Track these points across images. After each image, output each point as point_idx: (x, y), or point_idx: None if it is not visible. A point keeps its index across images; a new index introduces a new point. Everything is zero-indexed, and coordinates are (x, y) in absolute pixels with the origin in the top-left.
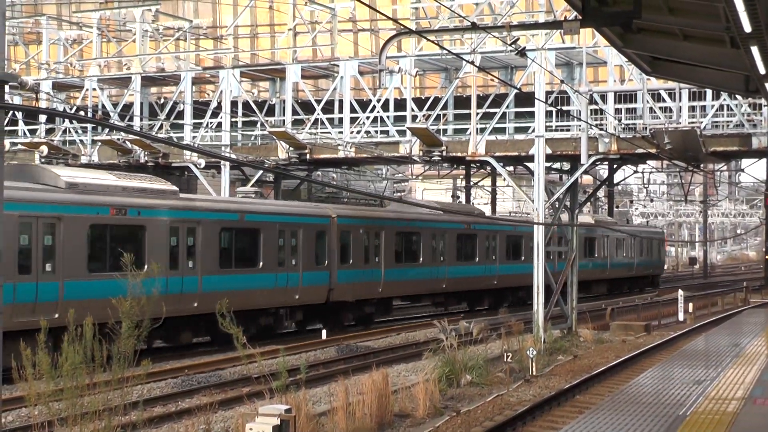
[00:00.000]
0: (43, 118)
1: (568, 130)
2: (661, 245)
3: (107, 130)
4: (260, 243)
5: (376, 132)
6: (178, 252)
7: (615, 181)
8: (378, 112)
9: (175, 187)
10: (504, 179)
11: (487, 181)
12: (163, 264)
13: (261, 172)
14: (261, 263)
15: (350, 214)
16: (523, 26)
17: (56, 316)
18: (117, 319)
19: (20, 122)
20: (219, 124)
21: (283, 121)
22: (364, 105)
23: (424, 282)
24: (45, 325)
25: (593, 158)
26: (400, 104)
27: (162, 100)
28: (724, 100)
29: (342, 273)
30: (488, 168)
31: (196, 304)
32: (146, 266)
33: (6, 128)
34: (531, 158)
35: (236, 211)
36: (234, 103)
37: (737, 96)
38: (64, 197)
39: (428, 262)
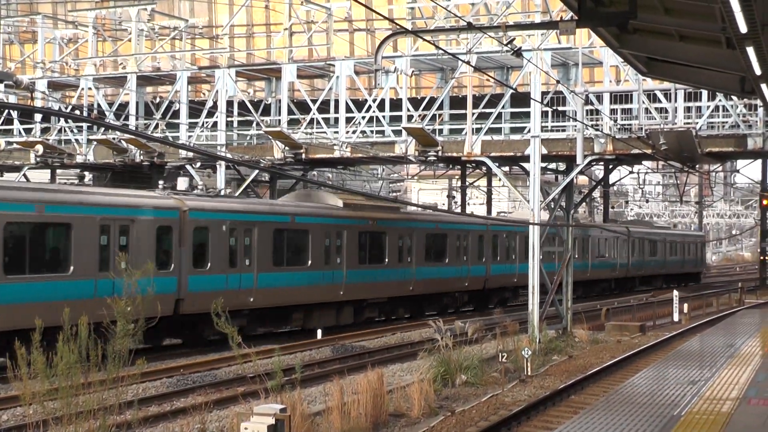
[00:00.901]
0: (38, 117)
1: (563, 130)
2: (702, 247)
3: (103, 129)
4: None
5: (372, 132)
6: None
7: (611, 182)
8: (374, 111)
9: None
10: (500, 179)
11: (483, 182)
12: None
13: (257, 171)
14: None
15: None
16: (519, 26)
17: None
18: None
19: (15, 121)
20: (215, 124)
21: (279, 120)
22: (359, 105)
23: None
24: (39, 324)
25: (589, 158)
26: (396, 104)
27: (158, 100)
28: (720, 100)
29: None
30: (484, 168)
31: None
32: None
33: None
34: (527, 158)
35: None
36: (230, 103)
37: (733, 97)
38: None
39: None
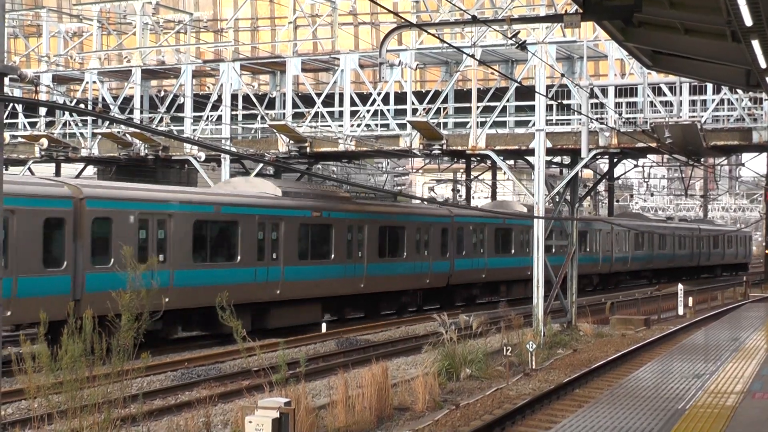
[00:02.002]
0: (43, 110)
1: (568, 123)
2: (749, 241)
3: (107, 123)
4: None
5: (377, 125)
6: None
7: (615, 175)
8: (378, 105)
9: None
10: (504, 173)
11: (488, 175)
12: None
13: (261, 165)
14: None
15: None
16: (523, 19)
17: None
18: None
19: (20, 115)
20: (219, 117)
21: (284, 114)
22: (364, 98)
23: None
24: (44, 318)
25: (594, 152)
26: (401, 98)
27: (162, 93)
28: (725, 94)
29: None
30: (488, 162)
31: None
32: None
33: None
34: (531, 152)
35: None
36: (234, 96)
37: (738, 90)
38: None
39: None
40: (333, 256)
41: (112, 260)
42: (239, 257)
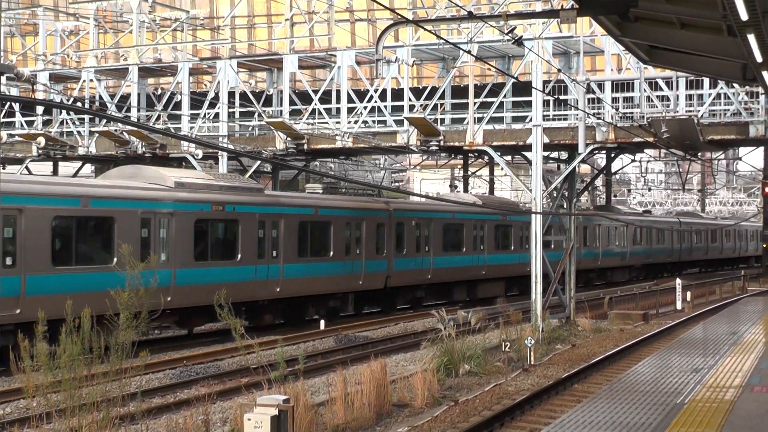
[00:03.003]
0: (40, 109)
1: (565, 119)
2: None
3: (104, 121)
4: None
5: (374, 122)
6: None
7: (613, 170)
8: (375, 102)
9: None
10: (502, 169)
11: (485, 171)
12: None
13: (259, 162)
14: None
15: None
16: (520, 15)
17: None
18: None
19: (17, 114)
20: (216, 115)
21: (281, 111)
22: (361, 95)
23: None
24: (42, 316)
25: (591, 147)
26: (398, 94)
27: (159, 91)
28: (722, 88)
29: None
30: (486, 157)
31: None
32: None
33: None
34: (528, 147)
35: None
36: (231, 94)
37: (734, 84)
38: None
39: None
40: (240, 256)
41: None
42: (116, 259)
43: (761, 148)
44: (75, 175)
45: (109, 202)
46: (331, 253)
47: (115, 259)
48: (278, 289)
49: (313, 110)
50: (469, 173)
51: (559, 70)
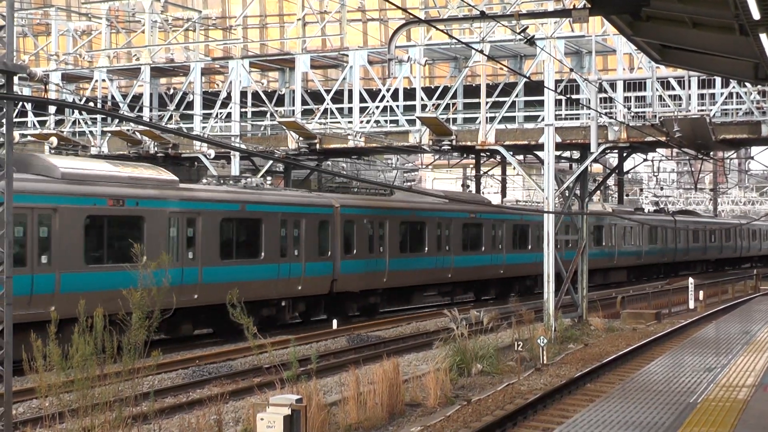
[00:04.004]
0: (52, 109)
1: (577, 118)
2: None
3: (117, 121)
4: None
5: (386, 121)
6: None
7: (625, 170)
8: (387, 101)
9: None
10: (514, 168)
11: (497, 171)
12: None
13: (271, 162)
14: None
15: None
16: (532, 15)
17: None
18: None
19: (30, 113)
20: (228, 115)
21: (293, 111)
22: (373, 95)
23: None
24: (55, 317)
25: (603, 147)
26: (410, 94)
27: (171, 91)
28: (734, 87)
29: None
30: (498, 157)
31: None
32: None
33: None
34: (541, 147)
35: None
36: (243, 94)
37: (746, 83)
38: None
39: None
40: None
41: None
42: None
43: None
44: None
45: None
46: (262, 254)
47: None
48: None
49: (326, 110)
50: (482, 173)
51: (571, 70)
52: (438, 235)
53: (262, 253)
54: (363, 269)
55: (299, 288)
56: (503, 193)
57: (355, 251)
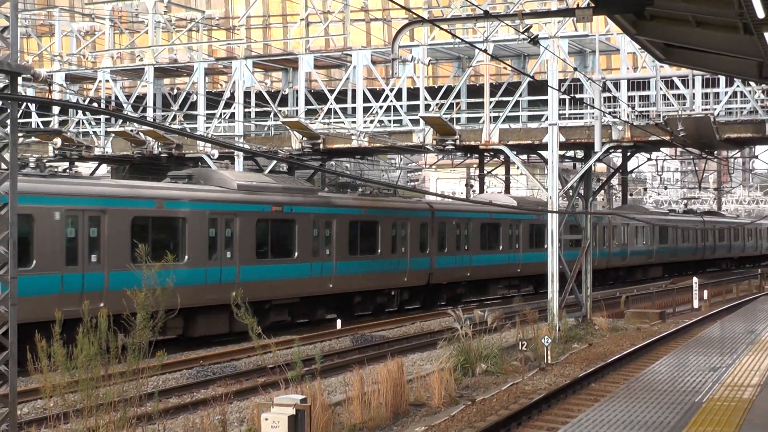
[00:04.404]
0: (56, 109)
1: (581, 118)
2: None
3: (120, 121)
4: None
5: (390, 121)
6: None
7: (629, 169)
8: (391, 101)
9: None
10: (518, 168)
11: (501, 170)
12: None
13: (275, 162)
14: None
15: None
16: (535, 14)
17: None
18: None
19: (33, 114)
20: (232, 115)
21: (296, 111)
22: (377, 94)
23: None
24: (60, 316)
25: (607, 146)
26: (413, 93)
27: (175, 91)
28: (738, 86)
29: None
30: (502, 157)
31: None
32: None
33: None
34: (544, 146)
35: None
36: (247, 94)
37: (751, 82)
38: None
39: None
40: (33, 263)
41: None
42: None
43: None
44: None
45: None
46: (186, 257)
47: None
48: (103, 305)
49: (329, 110)
50: (485, 172)
51: (575, 69)
52: (510, 235)
53: (379, 250)
54: (453, 264)
55: (405, 280)
56: (507, 193)
57: (446, 249)
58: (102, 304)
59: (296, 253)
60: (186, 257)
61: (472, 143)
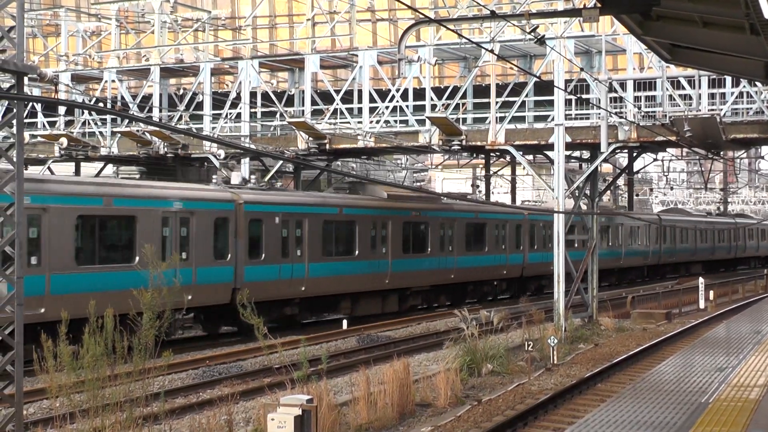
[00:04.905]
0: (62, 110)
1: (587, 118)
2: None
3: (126, 121)
4: None
5: (396, 122)
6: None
7: (635, 169)
8: (397, 101)
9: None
10: (524, 168)
11: (507, 170)
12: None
13: (281, 162)
14: None
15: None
16: (542, 14)
17: None
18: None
19: (39, 114)
20: (238, 115)
21: (303, 111)
22: (383, 95)
23: None
24: (65, 316)
25: (613, 146)
26: (419, 94)
27: (181, 91)
28: (744, 87)
29: None
30: (508, 157)
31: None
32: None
33: (25, 120)
34: (551, 147)
35: None
36: (253, 94)
37: (757, 83)
38: None
39: None
40: (431, 249)
41: None
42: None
43: None
44: (97, 175)
45: None
46: (137, 260)
47: None
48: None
49: (335, 110)
50: (491, 173)
51: (581, 69)
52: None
53: (486, 248)
54: (540, 260)
55: (504, 272)
56: (513, 194)
57: (535, 246)
58: (303, 288)
59: (429, 249)
60: (356, 252)
61: (479, 143)
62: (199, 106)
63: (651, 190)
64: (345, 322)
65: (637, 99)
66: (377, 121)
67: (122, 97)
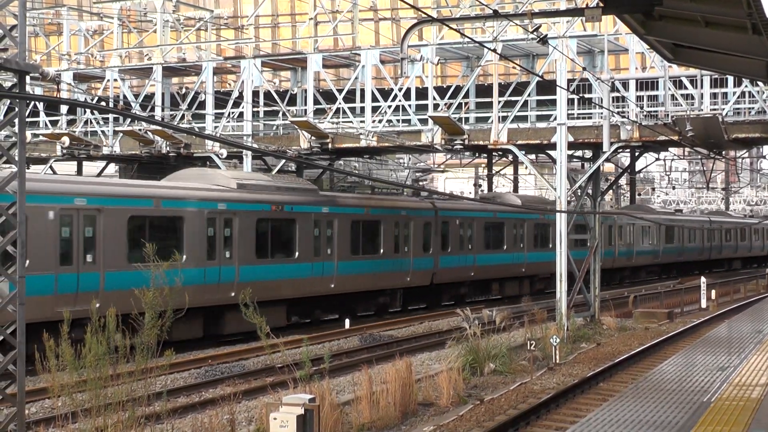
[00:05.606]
0: (64, 109)
1: (590, 117)
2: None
3: (129, 120)
4: None
5: (398, 121)
6: None
7: (637, 169)
8: (399, 101)
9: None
10: (526, 167)
11: (510, 170)
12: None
13: (283, 161)
14: None
15: None
16: (544, 14)
17: None
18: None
19: (41, 113)
20: (241, 114)
21: (305, 110)
22: (385, 94)
23: None
24: (67, 316)
25: (615, 146)
26: (422, 93)
27: (183, 91)
28: (746, 86)
29: None
30: (510, 156)
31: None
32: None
33: (27, 119)
34: (553, 146)
35: None
36: (255, 93)
37: (759, 83)
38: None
39: None
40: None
41: None
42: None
43: None
44: (99, 175)
45: None
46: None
47: None
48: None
49: (338, 109)
50: (494, 172)
51: (584, 69)
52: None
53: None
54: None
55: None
56: (515, 191)
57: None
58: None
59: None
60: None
61: (481, 143)
62: (202, 105)
63: (653, 189)
64: (347, 322)
65: (639, 98)
66: (380, 121)
67: (124, 96)
